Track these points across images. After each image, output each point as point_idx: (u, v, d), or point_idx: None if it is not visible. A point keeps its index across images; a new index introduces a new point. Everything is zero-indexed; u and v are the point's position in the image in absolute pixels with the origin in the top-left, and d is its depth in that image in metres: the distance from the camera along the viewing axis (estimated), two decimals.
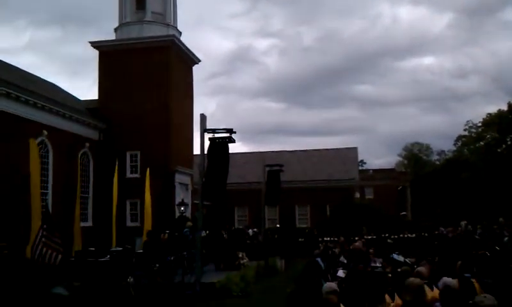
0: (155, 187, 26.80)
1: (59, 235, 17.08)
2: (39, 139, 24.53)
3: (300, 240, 37.06)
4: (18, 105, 23.71)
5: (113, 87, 31.71)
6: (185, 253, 20.41)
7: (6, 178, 22.55)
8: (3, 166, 22.54)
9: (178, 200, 30.58)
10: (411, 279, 6.99)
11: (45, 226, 17.20)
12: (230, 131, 17.80)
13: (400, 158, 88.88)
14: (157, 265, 18.31)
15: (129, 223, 28.70)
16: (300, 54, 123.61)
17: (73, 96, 34.11)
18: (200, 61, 36.44)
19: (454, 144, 74.58)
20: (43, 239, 16.65)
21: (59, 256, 16.92)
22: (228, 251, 22.74)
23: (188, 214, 31.32)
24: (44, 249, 16.50)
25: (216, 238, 24.09)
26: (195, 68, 36.71)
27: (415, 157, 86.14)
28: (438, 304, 6.99)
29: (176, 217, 28.96)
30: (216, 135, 18.02)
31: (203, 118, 18.42)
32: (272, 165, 29.32)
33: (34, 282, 15.84)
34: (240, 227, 39.02)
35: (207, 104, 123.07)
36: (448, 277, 8.44)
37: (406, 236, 35.09)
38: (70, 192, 20.88)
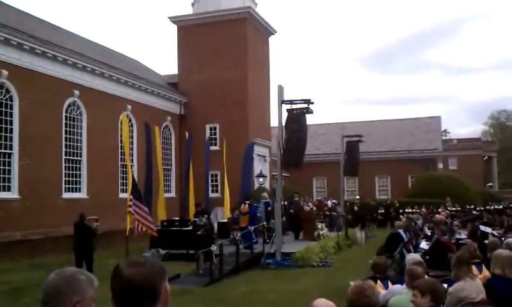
0: (234, 158, 27.20)
1: (148, 212, 17.82)
2: (124, 114, 25.50)
3: (380, 211, 36.53)
4: (103, 80, 24.71)
5: (192, 61, 32.29)
6: (264, 223, 20.68)
7: (97, 152, 23.69)
8: (95, 140, 23.65)
9: (257, 172, 30.91)
10: (500, 250, 6.71)
11: (131, 197, 17.95)
12: (308, 101, 17.63)
13: (487, 127, 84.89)
14: (239, 234, 18.68)
15: (210, 194, 29.31)
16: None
17: (154, 71, 35.07)
18: (276, 31, 36.29)
19: None
20: (135, 213, 17.40)
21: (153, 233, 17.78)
22: (307, 222, 22.78)
23: (267, 185, 31.62)
24: (139, 225, 17.36)
25: (294, 209, 24.19)
26: (271, 36, 36.61)
27: (502, 124, 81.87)
28: None
29: (256, 188, 29.33)
30: (294, 106, 17.93)
31: (280, 89, 18.36)
32: (351, 136, 28.92)
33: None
34: (319, 198, 38.95)
35: (284, 75, 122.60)
36: None
37: (492, 207, 33.67)
38: (153, 164, 21.65)
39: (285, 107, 18.08)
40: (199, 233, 16.18)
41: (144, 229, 17.58)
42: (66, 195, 22.18)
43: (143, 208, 17.66)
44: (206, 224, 16.78)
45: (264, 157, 34.43)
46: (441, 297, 4.37)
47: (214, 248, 15.66)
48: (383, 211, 36.76)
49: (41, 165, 20.73)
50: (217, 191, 30.59)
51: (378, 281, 6.44)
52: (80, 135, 23.35)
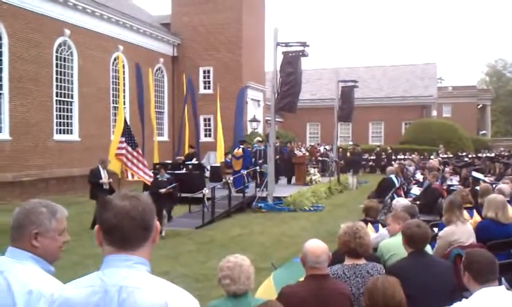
0: (228, 102, 26.97)
1: (143, 161, 17.17)
2: (115, 54, 25.05)
3: (371, 157, 36.66)
4: (94, 19, 24.11)
5: (185, 1, 31.47)
6: (257, 167, 20.67)
7: (89, 94, 23.38)
8: (87, 81, 23.28)
9: (250, 116, 30.73)
10: (494, 195, 6.69)
11: (123, 139, 17.69)
12: (304, 44, 17.32)
13: (483, 76, 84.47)
14: (231, 178, 18.69)
15: (203, 138, 29.21)
16: None
17: (146, 11, 34.22)
18: None
19: None
20: (127, 159, 16.95)
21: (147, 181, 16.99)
22: (299, 167, 22.78)
23: (260, 130, 31.52)
24: (131, 174, 16.83)
25: (281, 155, 24.10)
26: None
27: (498, 73, 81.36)
28: None
29: (249, 133, 29.22)
30: (289, 48, 17.61)
31: (275, 31, 17.98)
32: (347, 81, 28.70)
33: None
34: (312, 144, 38.99)
35: (280, 18, 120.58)
36: None
37: (484, 155, 33.84)
38: (145, 107, 21.30)
39: (280, 49, 17.78)
40: (162, 191, 13.56)
41: (136, 177, 16.99)
42: (57, 137, 21.98)
43: (138, 155, 17.19)
44: (170, 181, 14.30)
45: (258, 101, 34.15)
46: (416, 242, 4.29)
47: (206, 191, 15.66)
48: (374, 157, 36.86)
49: (32, 107, 20.46)
50: (210, 135, 30.47)
51: (369, 224, 6.41)
52: (72, 76, 22.93)
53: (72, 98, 22.90)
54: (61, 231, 2.49)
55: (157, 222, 1.99)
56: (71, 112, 22.92)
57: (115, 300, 1.82)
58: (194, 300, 1.92)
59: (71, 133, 22.93)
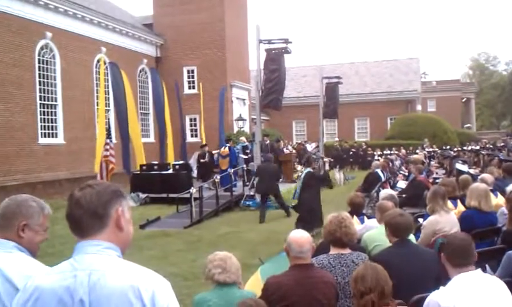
0: (213, 102, 26.93)
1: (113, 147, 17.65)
2: (98, 56, 24.87)
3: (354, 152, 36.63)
4: (76, 22, 23.93)
5: (168, 2, 31.34)
6: (243, 166, 20.70)
7: (73, 97, 23.21)
8: (71, 84, 23.12)
9: (236, 115, 30.71)
10: (477, 184, 6.78)
11: (108, 141, 17.75)
12: (286, 41, 17.37)
13: (466, 69, 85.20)
14: (218, 177, 18.69)
15: (189, 139, 29.13)
16: None
17: (127, 12, 34.00)
18: None
19: None
20: (105, 153, 17.21)
21: (112, 167, 17.42)
22: (286, 165, 22.83)
23: (246, 129, 31.51)
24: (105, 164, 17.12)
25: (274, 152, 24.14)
26: None
27: (481, 66, 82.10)
28: (503, 208, 6.78)
29: (235, 132, 29.22)
30: (272, 46, 17.65)
31: (258, 28, 18.01)
32: (331, 78, 28.81)
33: None
34: (299, 141, 39.08)
35: (263, 16, 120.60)
36: None
37: (470, 148, 34.17)
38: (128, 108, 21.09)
39: (263, 47, 17.81)
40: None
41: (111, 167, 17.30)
42: (42, 141, 21.80)
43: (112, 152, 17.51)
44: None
45: (243, 100, 34.13)
46: (401, 231, 4.33)
47: (193, 191, 15.62)
48: (351, 153, 36.86)
49: (15, 111, 20.25)
50: (196, 135, 30.40)
51: (354, 217, 6.45)
52: (55, 79, 22.73)
53: (56, 101, 22.72)
54: (45, 227, 2.64)
55: (121, 208, 2.01)
56: (55, 115, 22.74)
57: (85, 283, 1.87)
58: (165, 282, 2.00)
59: (56, 136, 22.75)
